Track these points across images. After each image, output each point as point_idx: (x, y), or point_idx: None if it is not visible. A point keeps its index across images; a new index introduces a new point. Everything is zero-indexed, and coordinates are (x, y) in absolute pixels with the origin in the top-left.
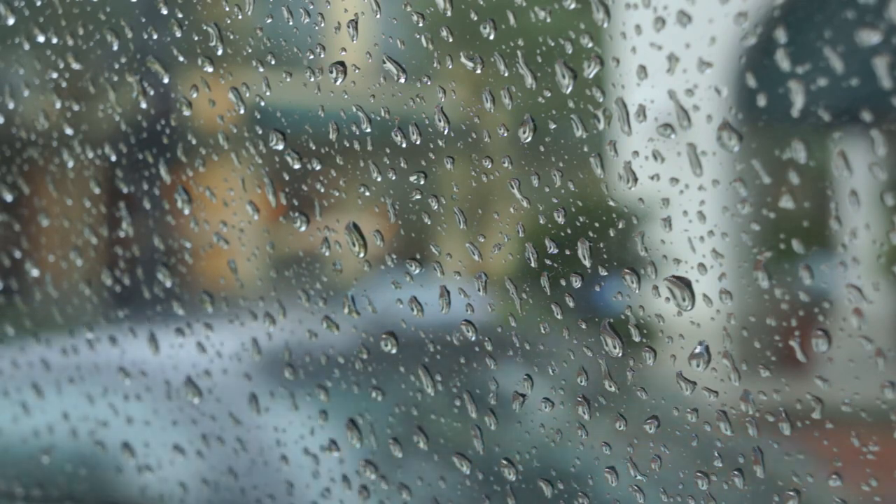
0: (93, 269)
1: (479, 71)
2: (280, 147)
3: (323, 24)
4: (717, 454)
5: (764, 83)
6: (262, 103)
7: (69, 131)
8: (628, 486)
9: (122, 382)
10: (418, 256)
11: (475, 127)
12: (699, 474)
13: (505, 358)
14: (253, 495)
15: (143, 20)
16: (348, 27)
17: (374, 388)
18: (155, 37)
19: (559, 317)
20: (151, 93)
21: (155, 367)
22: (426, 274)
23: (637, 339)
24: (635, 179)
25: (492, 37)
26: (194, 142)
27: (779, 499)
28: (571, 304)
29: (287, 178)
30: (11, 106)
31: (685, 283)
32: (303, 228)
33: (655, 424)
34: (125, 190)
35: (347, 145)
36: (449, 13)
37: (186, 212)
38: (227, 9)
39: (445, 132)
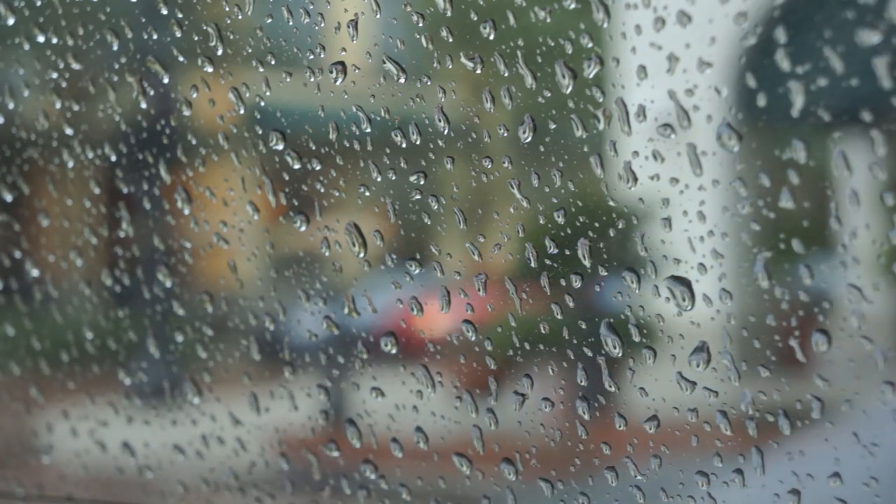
0: (93, 269)
1: (479, 71)
2: (280, 147)
3: (323, 24)
4: (717, 454)
5: (764, 83)
6: (262, 103)
7: (69, 131)
8: (628, 486)
9: None
10: (418, 256)
11: (475, 127)
12: (699, 474)
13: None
14: None
15: (143, 20)
16: (348, 27)
17: None
18: (155, 37)
19: (559, 317)
20: (151, 93)
21: None
22: (426, 274)
23: (637, 339)
24: (635, 179)
25: (492, 37)
26: (194, 142)
27: (779, 499)
28: (571, 304)
29: (287, 178)
30: (11, 106)
31: (685, 283)
32: (303, 228)
33: (655, 424)
34: (125, 190)
35: (347, 145)
36: (449, 13)
37: (186, 212)
38: (227, 9)
39: (445, 132)
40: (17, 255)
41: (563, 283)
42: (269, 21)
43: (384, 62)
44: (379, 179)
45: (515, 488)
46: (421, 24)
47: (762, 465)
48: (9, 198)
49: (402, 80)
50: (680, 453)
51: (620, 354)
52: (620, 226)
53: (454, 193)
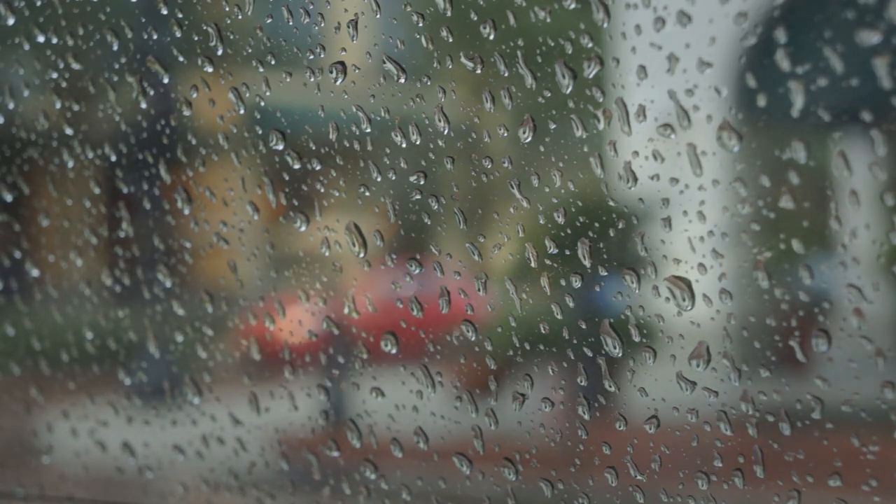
0: (93, 269)
1: (479, 71)
2: (280, 147)
3: (323, 24)
4: (717, 454)
5: (764, 83)
6: (262, 103)
7: (69, 131)
8: (628, 486)
9: None
10: (418, 256)
11: (475, 127)
12: (699, 474)
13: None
14: None
15: (143, 20)
16: (348, 27)
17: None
18: (155, 37)
19: (559, 317)
20: (151, 93)
21: None
22: (426, 274)
23: (637, 339)
24: (635, 179)
25: (492, 37)
26: (194, 142)
27: (779, 499)
28: (571, 304)
29: (287, 178)
30: (11, 106)
31: (685, 283)
32: (303, 228)
33: (655, 424)
34: (125, 190)
35: (347, 145)
36: (449, 13)
37: (186, 212)
38: (227, 9)
39: (445, 132)
40: (17, 255)
41: (563, 283)
42: (269, 21)
43: (384, 62)
44: (379, 179)
45: (515, 488)
46: (421, 24)
47: (762, 465)
48: (9, 198)
49: (402, 80)
50: (680, 453)
51: (620, 354)
52: (620, 226)
53: (454, 193)
